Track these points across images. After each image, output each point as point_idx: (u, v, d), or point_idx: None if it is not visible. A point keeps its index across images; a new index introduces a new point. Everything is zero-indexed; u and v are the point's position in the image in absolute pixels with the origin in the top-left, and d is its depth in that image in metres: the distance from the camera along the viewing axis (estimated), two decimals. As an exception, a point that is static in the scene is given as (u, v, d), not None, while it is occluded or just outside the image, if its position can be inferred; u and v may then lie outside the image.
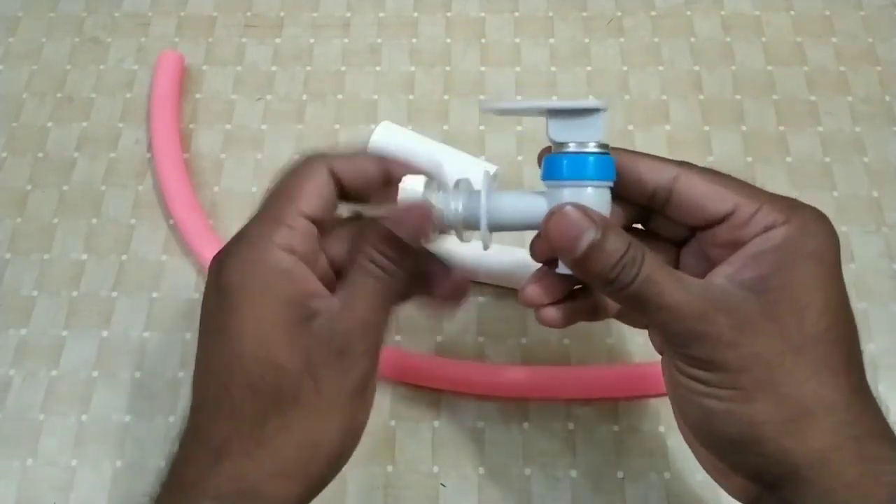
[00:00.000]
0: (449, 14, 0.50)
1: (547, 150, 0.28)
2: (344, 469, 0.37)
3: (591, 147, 0.26)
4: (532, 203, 0.28)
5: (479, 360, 0.39)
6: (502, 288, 0.41)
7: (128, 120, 0.47)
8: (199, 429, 0.26)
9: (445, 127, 0.46)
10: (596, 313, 0.31)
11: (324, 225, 0.28)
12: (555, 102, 0.26)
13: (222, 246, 0.28)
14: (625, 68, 0.48)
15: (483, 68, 0.48)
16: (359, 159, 0.29)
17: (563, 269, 0.28)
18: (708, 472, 0.28)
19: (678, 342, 0.25)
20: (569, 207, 0.26)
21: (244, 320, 0.26)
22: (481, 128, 0.46)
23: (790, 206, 0.26)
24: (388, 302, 0.28)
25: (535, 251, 0.30)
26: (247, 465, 0.25)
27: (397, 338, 0.40)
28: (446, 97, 0.47)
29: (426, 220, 0.27)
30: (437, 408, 0.38)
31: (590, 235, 0.25)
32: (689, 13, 0.50)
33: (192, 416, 0.26)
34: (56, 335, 0.40)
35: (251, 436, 0.25)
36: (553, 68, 0.48)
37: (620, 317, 0.31)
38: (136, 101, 0.47)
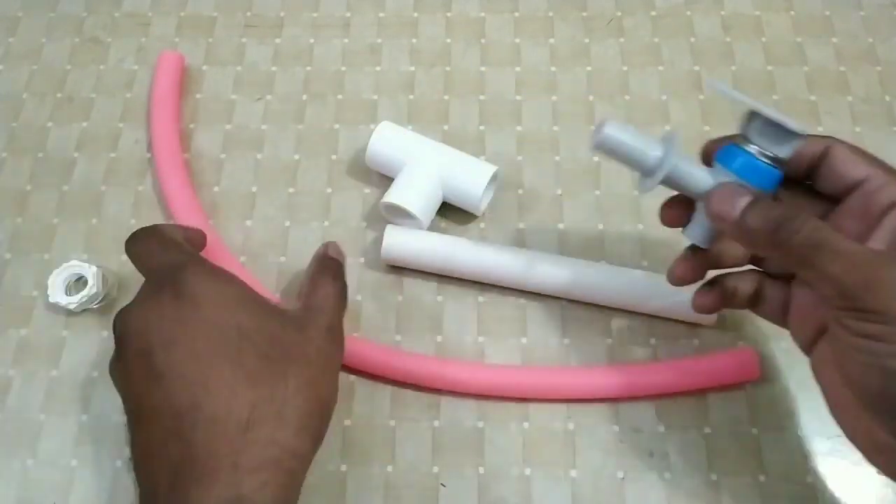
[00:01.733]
0: (449, 14, 0.50)
1: (722, 140, 0.31)
2: (344, 469, 0.37)
3: (766, 160, 0.29)
4: (700, 175, 0.30)
5: (479, 360, 0.39)
6: (503, 288, 0.41)
7: (128, 120, 0.47)
8: (216, 418, 0.28)
9: (445, 127, 0.46)
10: (735, 297, 0.33)
11: None
12: (768, 110, 0.28)
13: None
14: (625, 68, 0.48)
15: (483, 68, 0.48)
16: (194, 231, 0.39)
17: (695, 232, 0.31)
18: (863, 450, 0.28)
19: (852, 294, 0.25)
20: (729, 181, 0.29)
21: (233, 312, 0.31)
22: (481, 128, 0.46)
23: None
24: (339, 282, 0.36)
25: (666, 216, 0.33)
26: (273, 429, 0.28)
27: (397, 337, 0.40)
28: (446, 97, 0.47)
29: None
30: (437, 408, 0.38)
31: (745, 199, 0.27)
32: (689, 13, 0.50)
33: (193, 433, 0.28)
34: (56, 335, 0.40)
35: (272, 400, 0.29)
36: (553, 68, 0.48)
37: (757, 306, 0.33)
38: (136, 101, 0.47)
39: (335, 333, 0.34)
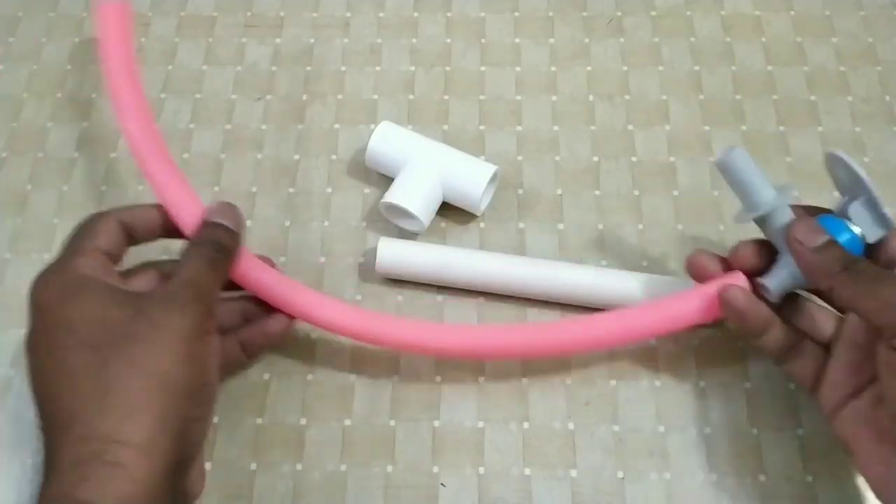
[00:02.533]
0: (449, 14, 0.50)
1: (814, 209, 0.34)
2: (343, 468, 0.37)
3: (848, 234, 0.32)
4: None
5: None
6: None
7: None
8: (52, 421, 0.28)
9: (445, 127, 0.46)
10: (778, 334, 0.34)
11: (115, 258, 0.34)
12: (876, 193, 0.31)
13: None
14: (625, 68, 0.48)
15: (483, 68, 0.48)
16: (142, 209, 0.36)
17: (771, 282, 0.33)
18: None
19: None
20: (812, 218, 0.32)
21: (66, 309, 0.30)
22: (481, 128, 0.46)
23: None
24: (216, 274, 0.33)
25: (742, 254, 0.35)
26: (96, 421, 0.27)
27: (397, 338, 0.40)
28: (446, 97, 0.47)
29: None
30: (437, 408, 0.38)
31: (826, 237, 0.31)
32: (689, 13, 0.50)
33: (44, 433, 0.28)
34: (56, 335, 0.40)
35: (97, 389, 0.28)
36: (553, 68, 0.48)
37: (789, 361, 0.34)
38: (136, 101, 0.47)
39: (177, 301, 0.30)
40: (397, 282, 0.41)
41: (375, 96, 0.47)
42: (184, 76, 0.48)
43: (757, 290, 0.33)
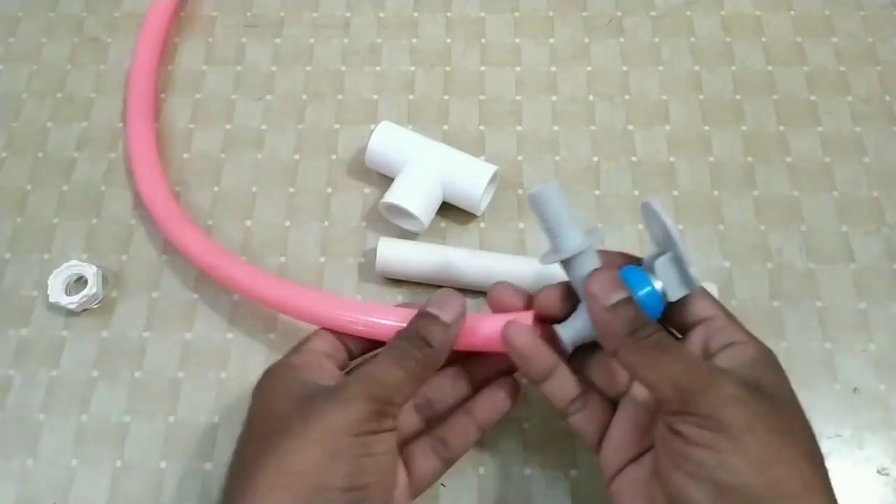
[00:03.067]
0: (449, 14, 0.50)
1: (626, 257, 0.32)
2: (344, 469, 0.37)
3: (647, 290, 0.30)
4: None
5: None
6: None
7: (126, 122, 0.47)
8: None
9: (445, 127, 0.46)
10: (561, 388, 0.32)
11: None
12: (685, 251, 0.29)
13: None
14: (625, 68, 0.48)
15: (483, 68, 0.48)
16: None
17: (567, 332, 0.31)
18: None
19: (687, 397, 0.26)
20: (613, 270, 0.30)
21: (257, 400, 0.31)
22: (481, 128, 0.46)
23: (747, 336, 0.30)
24: (404, 371, 0.30)
25: (545, 298, 0.32)
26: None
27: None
28: (446, 97, 0.47)
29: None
30: (437, 408, 0.38)
31: (622, 294, 0.29)
32: (689, 13, 0.50)
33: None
34: (56, 335, 0.40)
35: (240, 485, 0.27)
36: (553, 68, 0.48)
37: (572, 415, 0.32)
38: (136, 101, 0.47)
39: (342, 394, 0.29)
40: (397, 282, 0.41)
41: (375, 96, 0.47)
42: (184, 76, 0.48)
43: (546, 334, 0.31)
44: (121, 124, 0.47)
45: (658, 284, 0.30)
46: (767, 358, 0.29)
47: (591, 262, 0.30)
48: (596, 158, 0.45)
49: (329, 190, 0.44)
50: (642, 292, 0.30)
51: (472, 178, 0.41)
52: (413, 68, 0.48)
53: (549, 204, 0.30)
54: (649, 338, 0.28)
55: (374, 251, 0.40)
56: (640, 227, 0.43)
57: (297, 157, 0.45)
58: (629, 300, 0.29)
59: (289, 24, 0.50)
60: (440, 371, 0.33)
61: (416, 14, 0.50)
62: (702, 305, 0.31)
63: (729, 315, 0.30)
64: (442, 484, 0.36)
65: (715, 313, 0.30)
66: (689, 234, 0.42)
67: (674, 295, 0.30)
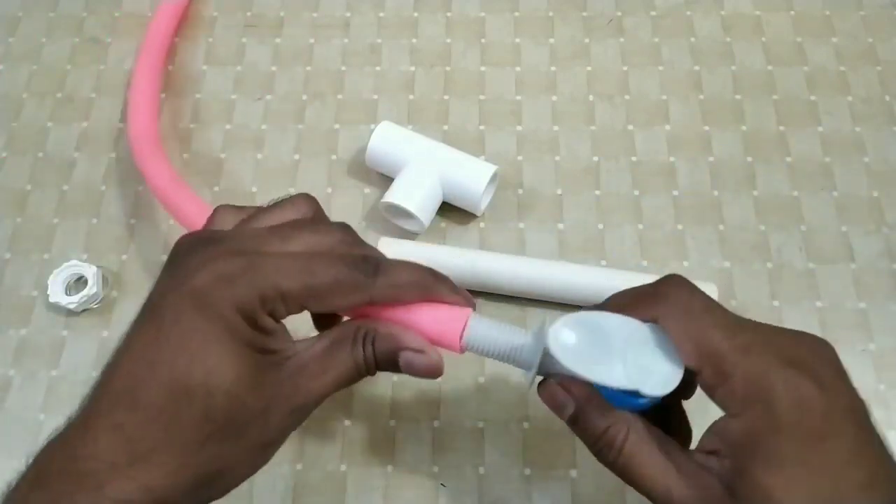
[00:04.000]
0: (449, 14, 0.50)
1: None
2: (344, 469, 0.37)
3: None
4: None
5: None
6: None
7: (127, 119, 0.47)
8: (120, 425, 0.24)
9: (445, 127, 0.46)
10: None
11: None
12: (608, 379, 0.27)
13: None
14: (625, 68, 0.48)
15: (483, 68, 0.48)
16: (258, 209, 0.30)
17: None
18: None
19: None
20: (552, 382, 0.28)
21: (210, 338, 0.24)
22: (481, 128, 0.46)
23: (755, 385, 0.25)
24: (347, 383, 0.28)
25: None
26: (160, 477, 0.24)
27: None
28: (446, 97, 0.47)
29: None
30: (437, 408, 0.38)
31: (569, 410, 0.27)
32: (689, 13, 0.50)
33: (113, 406, 0.24)
34: (56, 335, 0.40)
35: (180, 455, 0.24)
36: (553, 68, 0.48)
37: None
38: (136, 101, 0.47)
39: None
40: (397, 282, 0.41)
41: (375, 96, 0.47)
42: (184, 76, 0.48)
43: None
44: (121, 124, 0.47)
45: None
46: (754, 446, 0.24)
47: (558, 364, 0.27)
48: (596, 158, 0.45)
49: (329, 190, 0.44)
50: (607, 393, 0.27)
51: (472, 178, 0.41)
52: (413, 68, 0.48)
53: (482, 342, 0.28)
54: (610, 465, 0.27)
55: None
56: (641, 226, 0.43)
57: (297, 157, 0.45)
58: (577, 413, 0.27)
59: (289, 24, 0.50)
60: None
61: (416, 14, 0.50)
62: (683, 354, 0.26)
63: (721, 362, 0.25)
64: (442, 484, 0.36)
65: (701, 366, 0.26)
66: (689, 234, 0.42)
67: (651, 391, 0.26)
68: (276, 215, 0.29)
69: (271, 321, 0.26)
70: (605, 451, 0.27)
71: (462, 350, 0.29)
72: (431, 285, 0.29)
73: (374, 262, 0.27)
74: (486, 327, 0.28)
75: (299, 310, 0.26)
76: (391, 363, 0.28)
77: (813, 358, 0.26)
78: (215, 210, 0.30)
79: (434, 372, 0.28)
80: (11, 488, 0.24)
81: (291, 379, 0.26)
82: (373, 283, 0.27)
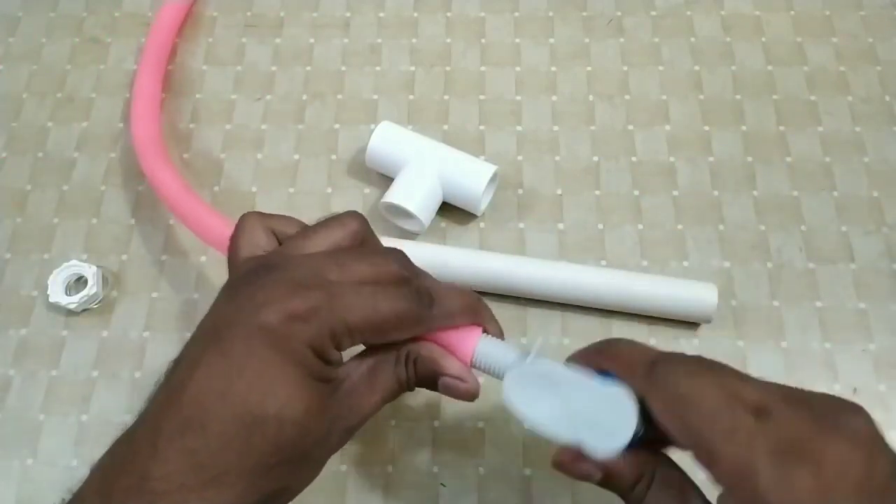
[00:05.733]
0: (449, 14, 0.50)
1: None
2: (344, 469, 0.37)
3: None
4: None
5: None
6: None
7: (128, 120, 0.47)
8: (192, 450, 0.24)
9: (445, 127, 0.46)
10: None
11: None
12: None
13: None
14: (625, 68, 0.48)
15: (483, 68, 0.48)
16: (285, 219, 0.31)
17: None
18: None
19: None
20: (566, 456, 0.27)
21: (283, 374, 0.25)
22: (481, 128, 0.46)
23: (740, 475, 0.23)
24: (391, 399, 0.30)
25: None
26: (230, 498, 0.24)
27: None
28: (446, 97, 0.47)
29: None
30: (438, 408, 0.38)
31: (596, 477, 0.27)
32: (689, 13, 0.50)
33: (183, 431, 0.24)
34: (56, 335, 0.40)
35: (249, 478, 0.25)
36: (553, 68, 0.48)
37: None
38: (136, 101, 0.47)
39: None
40: (397, 282, 0.41)
41: (375, 96, 0.47)
42: (184, 76, 0.48)
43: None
44: (121, 124, 0.47)
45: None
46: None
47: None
48: (596, 158, 0.45)
49: (329, 190, 0.44)
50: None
51: (472, 178, 0.41)
52: (413, 68, 0.48)
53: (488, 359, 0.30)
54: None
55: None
56: (641, 226, 0.43)
57: (296, 157, 0.45)
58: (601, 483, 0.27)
59: (289, 24, 0.50)
60: None
61: (416, 14, 0.50)
62: (674, 432, 0.25)
63: (709, 448, 0.24)
64: (442, 484, 0.36)
65: (693, 446, 0.25)
66: (689, 234, 0.42)
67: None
68: (326, 236, 0.29)
69: (337, 354, 0.27)
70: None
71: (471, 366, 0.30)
72: (478, 311, 0.30)
73: (429, 294, 0.29)
74: (493, 348, 0.30)
75: (362, 342, 0.28)
76: (430, 383, 0.30)
77: (823, 440, 0.23)
78: (243, 218, 0.30)
79: (471, 398, 0.30)
80: (77, 497, 0.25)
81: (346, 401, 0.28)
82: (430, 316, 0.28)
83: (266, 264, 0.28)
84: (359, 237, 0.30)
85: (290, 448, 0.25)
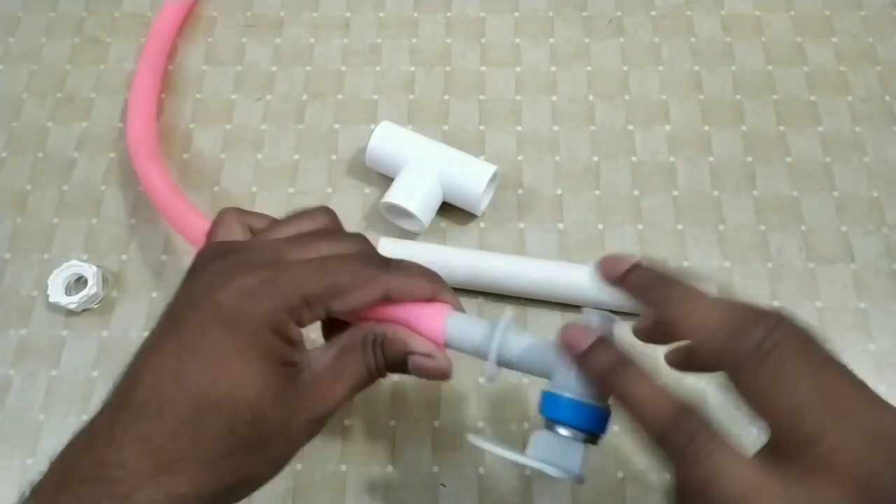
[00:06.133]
0: (449, 14, 0.50)
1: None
2: (344, 469, 0.37)
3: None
4: (541, 356, 0.28)
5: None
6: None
7: (126, 120, 0.47)
8: (146, 436, 0.24)
9: (445, 127, 0.46)
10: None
11: None
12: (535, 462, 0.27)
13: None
14: (625, 68, 0.48)
15: (483, 68, 0.48)
16: (262, 216, 0.30)
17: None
18: None
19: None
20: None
21: (236, 353, 0.25)
22: (481, 128, 0.46)
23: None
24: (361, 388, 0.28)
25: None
26: (187, 485, 0.24)
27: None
28: (446, 97, 0.47)
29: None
30: (437, 408, 0.38)
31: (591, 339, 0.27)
32: (689, 13, 0.50)
33: (138, 417, 0.24)
34: (56, 335, 0.40)
35: (205, 465, 0.24)
36: (553, 68, 0.48)
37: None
38: (136, 101, 0.47)
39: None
40: (397, 282, 0.41)
41: (375, 96, 0.47)
42: (184, 76, 0.48)
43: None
44: (121, 124, 0.47)
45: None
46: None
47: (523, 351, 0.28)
48: (596, 158, 0.45)
49: (329, 190, 0.44)
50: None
51: (472, 178, 0.41)
52: (413, 68, 0.48)
53: (458, 339, 0.29)
54: (615, 384, 0.25)
55: (374, 251, 0.40)
56: (641, 226, 0.43)
57: (297, 157, 0.45)
58: (594, 346, 0.26)
59: (289, 24, 0.50)
60: None
61: (416, 14, 0.50)
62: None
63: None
64: (442, 484, 0.36)
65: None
66: (689, 234, 0.42)
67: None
68: (294, 226, 0.29)
69: (297, 330, 0.26)
70: (617, 380, 0.25)
71: (445, 345, 0.29)
72: (436, 280, 0.29)
73: (384, 258, 0.28)
74: (463, 323, 0.29)
75: (323, 313, 0.27)
76: (401, 366, 0.28)
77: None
78: (221, 212, 0.30)
79: (442, 375, 0.29)
80: (35, 489, 0.24)
81: (309, 390, 0.27)
82: (386, 275, 0.27)
83: (223, 250, 0.27)
84: (327, 228, 0.30)
85: (246, 433, 0.25)
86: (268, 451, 0.26)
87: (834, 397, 0.22)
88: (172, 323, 0.26)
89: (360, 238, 0.29)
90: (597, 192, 0.44)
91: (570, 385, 0.27)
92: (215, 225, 0.30)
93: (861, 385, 0.23)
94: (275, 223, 0.30)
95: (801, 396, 0.22)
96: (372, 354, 0.28)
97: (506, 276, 0.39)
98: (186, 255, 0.42)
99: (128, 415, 0.24)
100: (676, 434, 0.23)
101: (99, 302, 0.41)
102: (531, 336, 0.29)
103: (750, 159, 0.44)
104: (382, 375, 0.29)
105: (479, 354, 0.29)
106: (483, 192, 0.41)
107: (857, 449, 0.21)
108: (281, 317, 0.25)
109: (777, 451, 0.22)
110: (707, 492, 0.22)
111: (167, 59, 0.48)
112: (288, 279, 0.26)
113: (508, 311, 0.29)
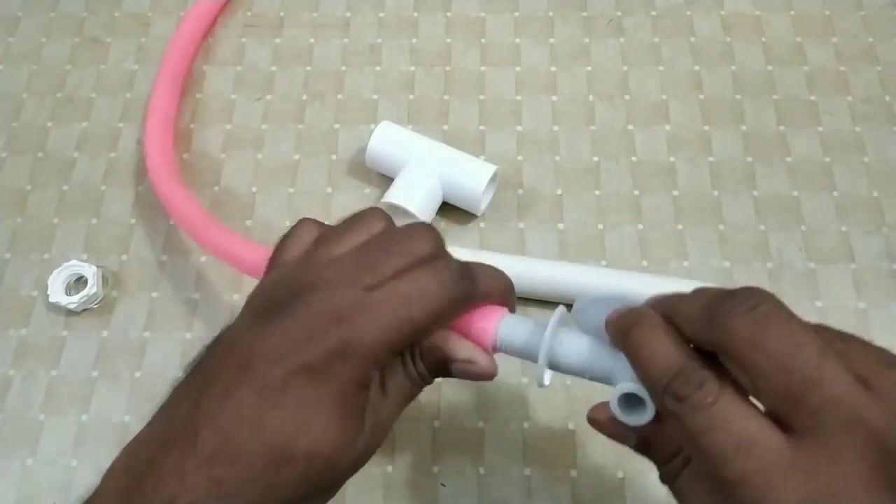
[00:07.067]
0: (449, 14, 0.50)
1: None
2: (344, 469, 0.37)
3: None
4: (598, 359, 0.27)
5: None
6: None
7: (128, 120, 0.47)
8: (221, 479, 0.24)
9: (445, 127, 0.46)
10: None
11: None
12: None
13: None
14: (625, 68, 0.48)
15: (483, 68, 0.48)
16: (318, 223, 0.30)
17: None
18: None
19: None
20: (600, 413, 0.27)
21: (319, 412, 0.24)
22: (481, 128, 0.46)
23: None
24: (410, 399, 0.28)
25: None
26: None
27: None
28: (446, 97, 0.47)
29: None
30: (437, 408, 0.38)
31: (630, 443, 0.27)
32: (689, 13, 0.50)
33: (212, 460, 0.24)
34: (56, 335, 0.40)
35: None
36: (553, 68, 0.48)
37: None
38: (136, 100, 0.47)
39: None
40: (397, 282, 0.41)
41: (375, 96, 0.47)
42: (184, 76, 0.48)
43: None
44: (121, 124, 0.47)
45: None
46: None
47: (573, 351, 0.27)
48: (596, 158, 0.45)
49: (329, 190, 0.44)
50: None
51: (472, 178, 0.41)
52: (413, 68, 0.48)
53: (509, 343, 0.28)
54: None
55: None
56: (641, 226, 0.43)
57: (297, 157, 0.45)
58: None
59: (289, 24, 0.50)
60: None
61: (416, 14, 0.50)
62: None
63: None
64: (442, 484, 0.36)
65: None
66: (689, 234, 0.42)
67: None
68: (352, 237, 0.28)
69: (378, 373, 0.26)
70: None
71: (494, 350, 0.29)
72: (511, 289, 0.30)
73: (461, 264, 0.27)
74: (514, 328, 0.28)
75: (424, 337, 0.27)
76: (443, 371, 0.28)
77: None
78: (301, 222, 0.30)
79: (489, 377, 0.28)
80: None
81: (370, 424, 0.26)
82: (474, 293, 0.27)
83: (295, 288, 0.26)
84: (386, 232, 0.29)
85: (318, 480, 0.25)
86: (333, 491, 0.26)
87: (829, 345, 0.22)
88: (249, 369, 0.25)
89: (426, 231, 0.28)
90: (597, 192, 0.44)
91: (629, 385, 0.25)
92: (291, 234, 0.30)
93: (852, 336, 0.23)
94: (330, 232, 0.29)
95: (795, 344, 0.21)
96: (412, 366, 0.28)
97: (552, 280, 0.39)
98: (187, 254, 0.42)
99: (199, 456, 0.24)
100: (682, 383, 0.22)
101: (99, 302, 0.41)
102: (585, 336, 0.27)
103: (750, 159, 0.44)
104: (428, 382, 0.28)
105: (530, 358, 0.28)
106: (483, 192, 0.41)
107: (861, 402, 0.20)
108: (370, 374, 0.25)
109: (779, 408, 0.22)
110: (712, 435, 0.21)
111: (185, 79, 0.48)
112: (375, 328, 0.25)
113: (559, 310, 0.28)
